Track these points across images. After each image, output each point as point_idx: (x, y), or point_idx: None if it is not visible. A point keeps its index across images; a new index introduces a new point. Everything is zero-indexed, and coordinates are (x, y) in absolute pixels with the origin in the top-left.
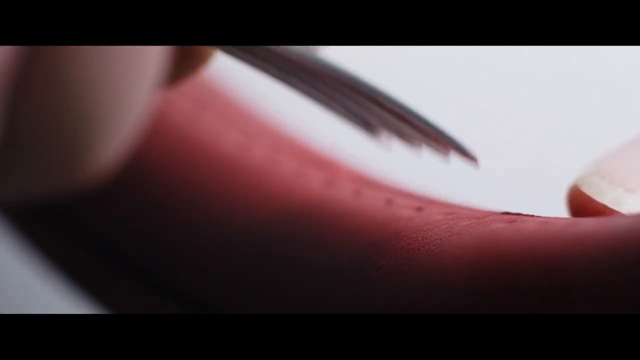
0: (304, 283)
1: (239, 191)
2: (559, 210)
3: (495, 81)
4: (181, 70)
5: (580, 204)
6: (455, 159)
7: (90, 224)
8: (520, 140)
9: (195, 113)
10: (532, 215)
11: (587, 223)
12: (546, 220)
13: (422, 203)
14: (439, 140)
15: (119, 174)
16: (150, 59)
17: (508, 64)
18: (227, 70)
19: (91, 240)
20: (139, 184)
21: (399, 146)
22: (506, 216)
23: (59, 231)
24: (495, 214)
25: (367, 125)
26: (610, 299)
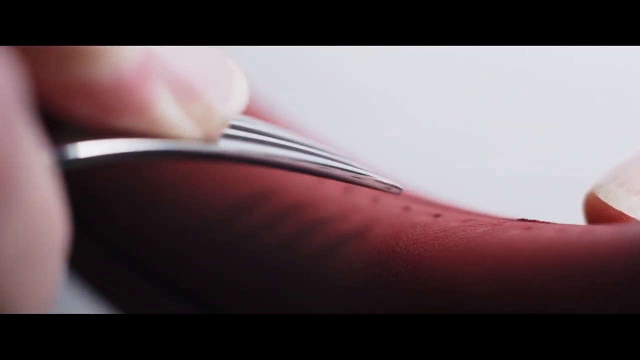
0: (321, 288)
1: (253, 197)
2: (575, 216)
3: (512, 85)
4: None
5: (597, 210)
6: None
7: (98, 227)
8: (537, 146)
9: None
10: (548, 223)
11: (603, 230)
12: (562, 228)
13: (440, 210)
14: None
15: (123, 181)
16: (53, 229)
17: (525, 67)
18: None
19: (100, 242)
20: (144, 189)
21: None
22: (522, 223)
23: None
24: (512, 220)
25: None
26: (625, 303)
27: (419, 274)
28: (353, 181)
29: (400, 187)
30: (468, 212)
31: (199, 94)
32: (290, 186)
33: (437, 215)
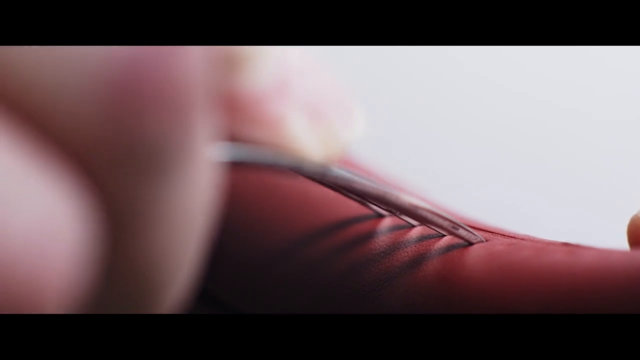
0: (376, 312)
1: (303, 218)
2: (619, 240)
3: (569, 102)
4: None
5: None
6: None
7: None
8: (583, 168)
9: None
10: (591, 247)
11: None
12: (604, 253)
13: (485, 233)
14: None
15: None
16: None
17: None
18: None
19: None
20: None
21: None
22: (565, 247)
23: None
24: (555, 244)
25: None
26: None
27: (465, 297)
28: (448, 230)
29: (479, 237)
30: (513, 236)
31: (326, 115)
32: (354, 218)
33: (482, 240)
